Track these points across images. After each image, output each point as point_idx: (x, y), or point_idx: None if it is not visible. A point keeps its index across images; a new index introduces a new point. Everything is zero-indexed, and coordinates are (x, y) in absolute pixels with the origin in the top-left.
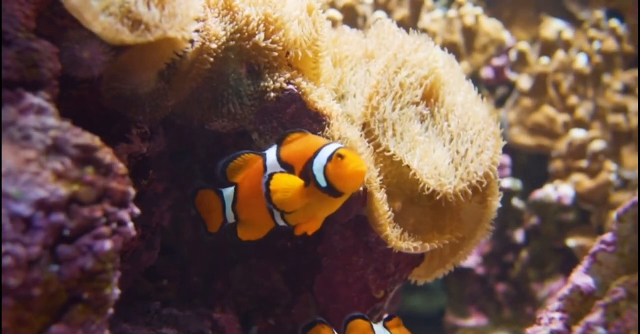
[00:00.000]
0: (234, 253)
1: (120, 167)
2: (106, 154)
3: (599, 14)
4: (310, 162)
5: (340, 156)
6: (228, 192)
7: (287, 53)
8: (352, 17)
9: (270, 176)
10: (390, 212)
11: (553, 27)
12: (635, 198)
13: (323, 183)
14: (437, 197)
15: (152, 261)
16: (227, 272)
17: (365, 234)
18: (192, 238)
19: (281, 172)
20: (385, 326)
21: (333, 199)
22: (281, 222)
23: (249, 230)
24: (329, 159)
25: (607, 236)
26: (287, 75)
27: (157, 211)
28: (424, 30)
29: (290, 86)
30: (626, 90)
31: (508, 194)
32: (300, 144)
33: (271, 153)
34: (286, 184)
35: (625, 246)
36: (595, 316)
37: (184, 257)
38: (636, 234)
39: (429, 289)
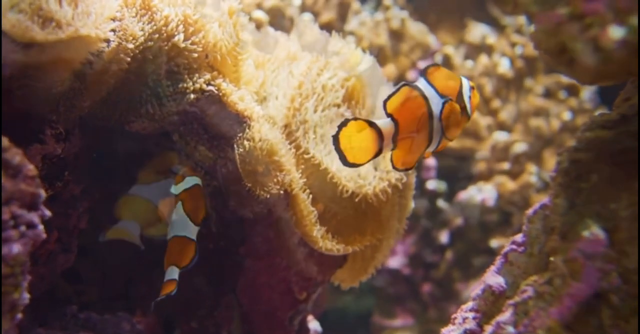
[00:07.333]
0: (156, 255)
1: (30, 168)
2: (15, 155)
3: (522, 19)
4: (461, 94)
5: (473, 88)
6: (386, 124)
7: (207, 55)
8: (278, 19)
9: (445, 103)
10: (315, 213)
11: (477, 31)
12: (545, 200)
13: (470, 112)
14: (357, 199)
15: (69, 264)
16: (149, 274)
17: (289, 236)
18: (113, 240)
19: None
20: None
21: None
22: (433, 148)
23: (403, 158)
24: (470, 90)
25: (518, 237)
26: (207, 76)
27: (74, 213)
28: (351, 33)
29: (211, 88)
30: (547, 94)
31: (433, 195)
32: (444, 77)
33: (424, 86)
34: (457, 111)
35: (534, 246)
36: (505, 315)
37: (105, 259)
38: (545, 235)
39: (357, 290)
